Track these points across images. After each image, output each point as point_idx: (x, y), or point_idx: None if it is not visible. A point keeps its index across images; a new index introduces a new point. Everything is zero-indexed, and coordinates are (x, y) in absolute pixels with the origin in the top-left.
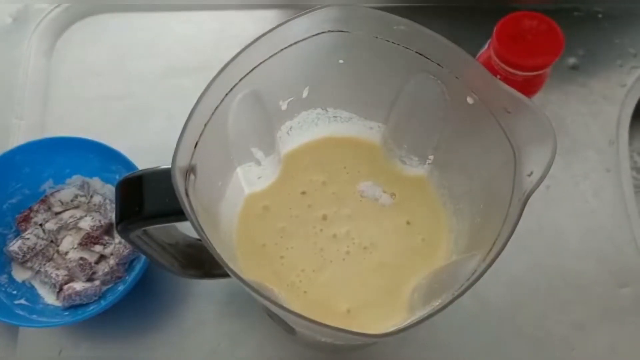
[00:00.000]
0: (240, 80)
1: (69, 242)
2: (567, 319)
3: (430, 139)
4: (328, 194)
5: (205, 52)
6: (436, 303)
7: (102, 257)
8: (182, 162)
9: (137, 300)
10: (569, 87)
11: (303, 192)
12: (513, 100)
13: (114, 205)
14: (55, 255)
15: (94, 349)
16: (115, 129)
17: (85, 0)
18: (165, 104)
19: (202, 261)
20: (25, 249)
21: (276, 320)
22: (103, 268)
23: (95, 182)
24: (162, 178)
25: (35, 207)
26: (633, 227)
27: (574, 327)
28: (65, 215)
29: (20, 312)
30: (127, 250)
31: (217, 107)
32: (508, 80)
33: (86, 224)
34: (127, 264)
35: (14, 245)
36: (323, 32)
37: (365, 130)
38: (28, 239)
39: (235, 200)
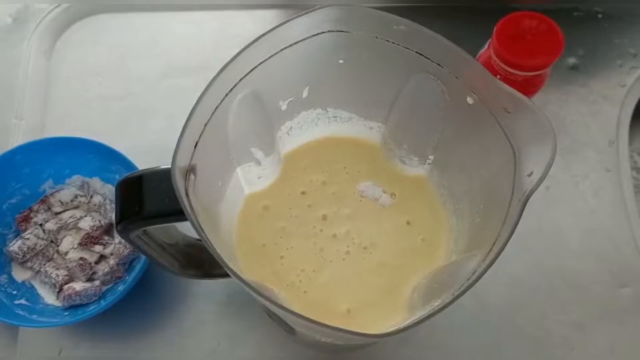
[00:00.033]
0: (240, 80)
1: (69, 242)
2: (567, 319)
3: (430, 139)
4: (328, 194)
5: (205, 52)
6: (436, 303)
7: (102, 257)
8: (182, 162)
9: (137, 300)
10: (569, 87)
11: (303, 192)
12: (513, 100)
13: (114, 205)
14: (55, 255)
15: (94, 349)
16: (115, 129)
17: (85, 0)
18: (165, 104)
19: (202, 261)
20: (25, 249)
21: (276, 320)
22: (103, 268)
23: (95, 182)
24: (162, 178)
25: (35, 207)
26: (633, 227)
27: (574, 327)
28: (65, 215)
29: (20, 312)
30: (127, 250)
31: (217, 107)
32: (508, 80)
33: (86, 224)
34: (127, 264)
35: (14, 246)
36: (323, 32)
37: (365, 130)
38: (28, 239)
39: (235, 200)
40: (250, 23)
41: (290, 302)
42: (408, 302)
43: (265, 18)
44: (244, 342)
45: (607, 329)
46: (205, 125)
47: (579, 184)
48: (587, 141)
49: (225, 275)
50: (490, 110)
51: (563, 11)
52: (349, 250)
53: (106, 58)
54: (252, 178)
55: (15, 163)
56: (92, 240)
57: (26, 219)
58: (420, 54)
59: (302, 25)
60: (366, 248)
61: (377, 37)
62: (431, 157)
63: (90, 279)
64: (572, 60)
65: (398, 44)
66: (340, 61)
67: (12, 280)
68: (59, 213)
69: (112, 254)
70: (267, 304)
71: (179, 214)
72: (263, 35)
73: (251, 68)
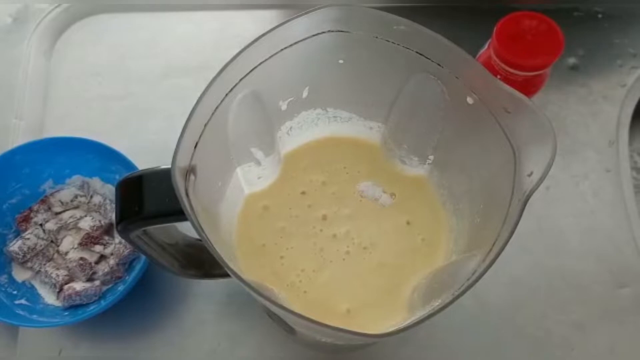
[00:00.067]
0: (240, 80)
1: (69, 242)
2: (567, 319)
3: (430, 139)
4: (328, 194)
5: (205, 52)
6: (436, 303)
7: (102, 257)
8: (182, 162)
9: (137, 300)
10: (569, 87)
11: (303, 192)
12: (513, 100)
13: (114, 205)
14: (56, 255)
15: (94, 349)
16: (115, 129)
17: (85, 0)
18: (165, 104)
19: (202, 261)
20: (25, 249)
21: (276, 320)
22: (103, 268)
23: (95, 182)
24: (162, 178)
25: (35, 207)
26: (633, 227)
27: (574, 327)
28: (65, 215)
29: (21, 312)
30: (127, 250)
31: (217, 108)
32: (508, 80)
33: (86, 224)
34: (127, 264)
35: (14, 246)
36: (323, 32)
37: (365, 130)
38: (28, 239)
39: (235, 200)
40: (250, 23)
41: (290, 302)
42: (408, 302)
43: (265, 18)
44: (244, 342)
45: (607, 329)
46: (205, 125)
47: (579, 184)
48: (587, 141)
49: (225, 275)
50: (490, 110)
51: (563, 11)
52: (349, 250)
53: (106, 58)
54: (252, 178)
55: (15, 163)
56: (92, 240)
57: (26, 219)
58: (420, 54)
59: (302, 25)
60: (366, 248)
61: (377, 37)
62: (431, 157)
63: (90, 279)
64: (572, 60)
65: (398, 44)
66: (340, 61)
67: (12, 280)
68: (59, 213)
69: (112, 254)
70: (267, 304)
71: (179, 214)
72: (263, 35)
73: (251, 68)
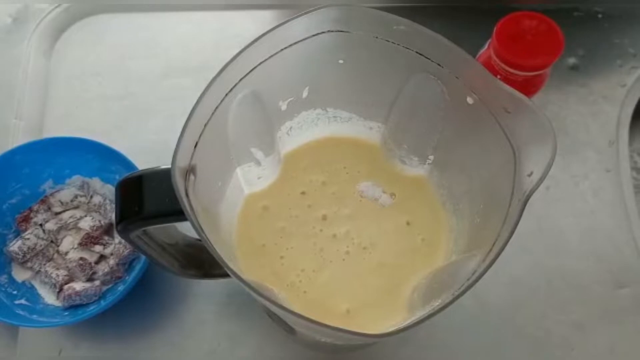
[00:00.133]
0: (240, 80)
1: (69, 242)
2: (567, 319)
3: (430, 139)
4: (328, 194)
5: (205, 52)
6: (436, 303)
7: (102, 257)
8: (182, 162)
9: (137, 300)
10: (569, 87)
11: (303, 192)
12: (513, 100)
13: (114, 205)
14: (55, 256)
15: (94, 349)
16: (115, 129)
17: (85, 0)
18: (165, 104)
19: (202, 261)
20: (25, 249)
21: (276, 320)
22: (103, 268)
23: (95, 182)
24: (162, 178)
25: (35, 207)
26: (633, 227)
27: (573, 327)
28: (65, 215)
29: (21, 312)
30: (127, 250)
31: (217, 107)
32: (508, 80)
33: (86, 224)
34: (127, 264)
35: (14, 246)
36: (323, 32)
37: (365, 130)
38: (28, 239)
39: (235, 200)
40: (250, 23)
41: (290, 302)
42: (408, 302)
43: (265, 18)
44: (244, 342)
45: (607, 329)
46: (205, 125)
47: (579, 184)
48: (587, 141)
49: (225, 275)
50: (490, 110)
51: (563, 11)
52: (348, 250)
53: (106, 58)
54: (252, 178)
55: (15, 163)
56: (92, 240)
57: (26, 219)
58: (420, 54)
59: (302, 25)
60: (366, 248)
61: (377, 37)
62: (431, 157)
63: (90, 279)
64: (572, 60)
65: (398, 44)
66: (340, 61)
67: (12, 280)
68: (59, 213)
69: (112, 254)
70: (267, 304)
71: (179, 214)
72: (263, 35)
73: (251, 68)
